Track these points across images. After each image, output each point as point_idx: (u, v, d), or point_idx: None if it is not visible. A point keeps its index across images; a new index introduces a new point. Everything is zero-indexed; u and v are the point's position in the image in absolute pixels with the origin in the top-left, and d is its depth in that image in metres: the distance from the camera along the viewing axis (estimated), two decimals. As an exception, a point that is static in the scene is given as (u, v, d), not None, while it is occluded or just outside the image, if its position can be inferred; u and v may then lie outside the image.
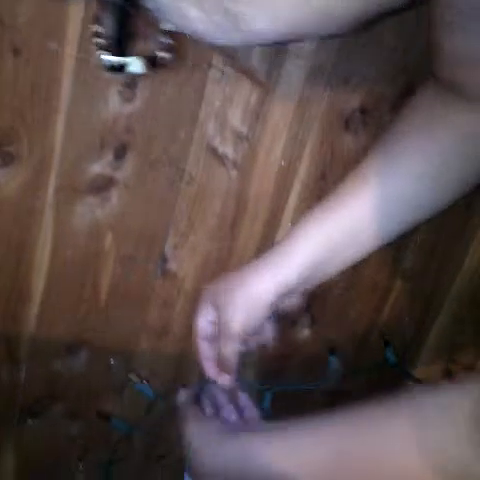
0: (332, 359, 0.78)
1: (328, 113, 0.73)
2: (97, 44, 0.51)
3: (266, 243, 0.77)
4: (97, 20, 0.54)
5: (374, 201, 0.65)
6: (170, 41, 0.52)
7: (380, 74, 0.72)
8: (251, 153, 0.73)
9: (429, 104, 0.65)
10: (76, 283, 0.74)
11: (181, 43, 0.63)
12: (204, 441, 0.68)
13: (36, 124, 0.64)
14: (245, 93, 0.70)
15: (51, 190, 0.68)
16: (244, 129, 0.71)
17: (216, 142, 0.71)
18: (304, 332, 0.87)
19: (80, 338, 0.77)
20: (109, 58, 0.49)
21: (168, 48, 0.52)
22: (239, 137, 0.71)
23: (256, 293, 0.66)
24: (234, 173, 0.73)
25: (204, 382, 0.73)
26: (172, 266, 0.76)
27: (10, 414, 0.79)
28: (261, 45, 0.67)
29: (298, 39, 0.57)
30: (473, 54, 0.57)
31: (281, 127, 0.72)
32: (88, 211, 0.70)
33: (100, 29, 0.53)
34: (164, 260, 0.75)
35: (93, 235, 0.72)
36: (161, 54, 0.51)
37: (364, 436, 0.57)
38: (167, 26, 0.52)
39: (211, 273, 0.77)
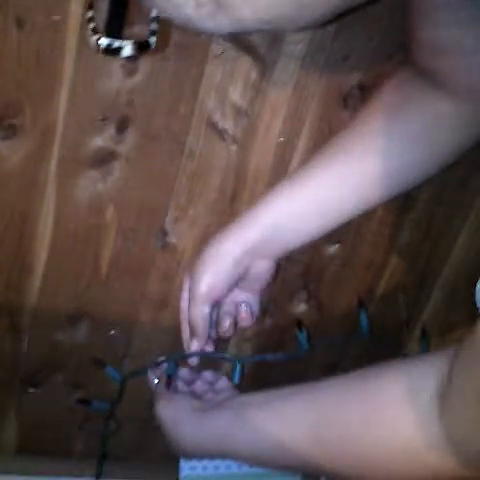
0: (300, 334, 0.80)
1: (327, 90, 0.74)
2: (92, 29, 0.52)
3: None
4: (91, 6, 0.54)
5: (339, 176, 0.68)
6: (157, 27, 0.53)
7: (378, 51, 0.73)
8: (251, 128, 0.74)
9: (405, 87, 0.66)
10: (78, 255, 0.75)
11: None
12: (178, 419, 0.70)
13: (39, 96, 0.65)
14: (245, 69, 0.70)
15: (54, 163, 0.69)
16: (244, 104, 0.72)
17: (216, 117, 0.72)
18: (301, 306, 0.89)
19: (81, 309, 0.78)
20: (106, 41, 0.50)
21: (155, 34, 0.52)
22: (239, 112, 0.72)
23: (221, 251, 0.68)
24: (234, 148, 0.74)
25: (174, 357, 0.75)
26: (172, 239, 0.77)
27: (12, 383, 0.81)
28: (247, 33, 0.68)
29: (280, 29, 0.58)
30: (444, 44, 0.58)
31: (280, 103, 0.73)
32: (90, 184, 0.71)
33: (94, 14, 0.53)
34: (164, 233, 0.77)
35: (95, 208, 0.73)
36: (150, 39, 0.52)
37: (344, 405, 0.59)
38: (155, 12, 0.53)
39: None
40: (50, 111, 0.66)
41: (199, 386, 0.77)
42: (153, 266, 0.78)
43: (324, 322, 0.90)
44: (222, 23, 0.43)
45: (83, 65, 0.64)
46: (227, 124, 0.73)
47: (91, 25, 0.51)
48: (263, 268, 0.71)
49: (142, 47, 0.51)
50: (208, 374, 0.78)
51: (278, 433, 0.62)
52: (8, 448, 0.85)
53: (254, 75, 0.71)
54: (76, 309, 0.78)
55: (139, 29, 0.55)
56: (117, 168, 0.71)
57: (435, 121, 0.64)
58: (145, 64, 0.66)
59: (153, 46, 0.52)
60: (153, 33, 0.51)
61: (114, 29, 0.50)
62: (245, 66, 0.70)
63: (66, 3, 0.61)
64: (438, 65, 0.61)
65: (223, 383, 0.77)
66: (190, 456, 0.74)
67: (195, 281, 0.69)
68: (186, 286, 0.72)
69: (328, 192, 0.68)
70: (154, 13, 0.51)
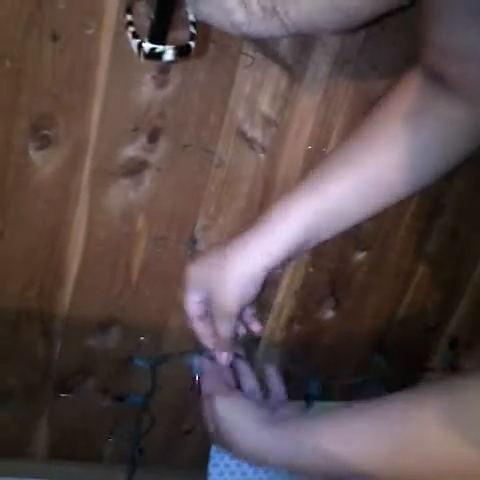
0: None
1: (354, 99, 0.75)
2: (133, 33, 0.53)
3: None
4: (130, 10, 0.57)
5: (354, 181, 0.66)
6: (196, 31, 0.54)
7: (405, 60, 0.73)
8: (279, 137, 0.74)
9: (417, 92, 0.65)
10: (109, 263, 0.76)
11: (212, 31, 0.65)
12: (241, 426, 0.68)
13: (73, 108, 0.66)
14: (274, 78, 0.71)
15: (86, 173, 0.70)
16: (273, 114, 0.73)
17: (245, 126, 0.73)
18: (328, 314, 0.89)
19: (112, 316, 0.79)
20: (149, 46, 0.51)
21: (194, 38, 0.53)
22: (268, 121, 0.73)
23: (247, 271, 0.65)
24: (262, 156, 0.75)
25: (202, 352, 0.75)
26: (202, 247, 0.78)
27: (45, 388, 0.82)
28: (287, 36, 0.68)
29: (319, 32, 0.58)
30: (458, 48, 0.57)
31: (309, 112, 0.74)
32: (122, 193, 0.72)
33: (133, 18, 0.56)
34: (194, 241, 0.78)
35: (126, 217, 0.74)
36: (190, 43, 0.53)
37: (422, 436, 0.56)
38: (194, 17, 0.53)
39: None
40: (83, 122, 0.67)
41: (251, 388, 0.76)
42: (183, 273, 0.79)
43: (351, 330, 0.91)
44: (271, 27, 0.44)
45: (115, 77, 0.66)
46: (256, 133, 0.74)
47: (131, 29, 0.52)
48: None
49: (183, 51, 0.52)
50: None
51: (351, 461, 0.60)
52: (40, 453, 0.87)
53: (283, 85, 0.72)
54: (107, 316, 0.79)
55: (176, 34, 0.56)
56: (148, 177, 0.72)
57: (448, 126, 0.64)
58: (176, 75, 0.67)
59: (192, 51, 0.53)
60: (192, 37, 0.52)
61: (159, 34, 0.51)
62: (274, 76, 0.71)
63: (99, 17, 0.62)
64: (451, 70, 0.60)
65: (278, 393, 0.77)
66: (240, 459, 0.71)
67: (222, 304, 0.67)
68: (192, 305, 0.70)
69: (346, 199, 0.66)
70: (192, 18, 0.52)
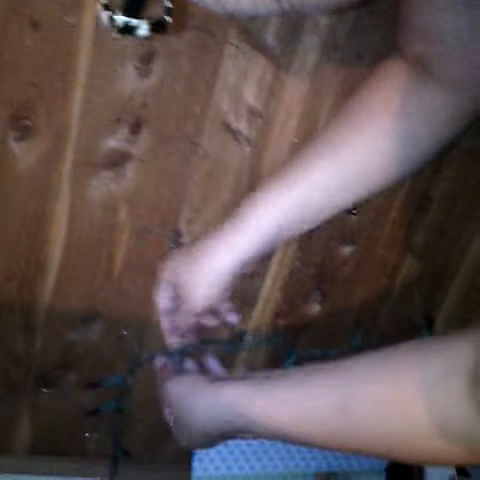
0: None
1: (341, 89, 0.74)
2: (104, 5, 0.49)
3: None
4: None
5: (336, 172, 0.65)
6: (171, 5, 0.50)
7: (392, 50, 0.73)
8: (265, 129, 0.74)
9: (399, 80, 0.64)
10: (91, 255, 0.75)
11: (197, 17, 0.64)
12: (193, 391, 0.68)
13: (54, 98, 0.65)
14: (259, 69, 0.70)
15: (68, 164, 0.69)
16: (258, 105, 0.72)
17: (230, 118, 0.72)
18: (315, 308, 0.88)
19: (94, 309, 0.79)
20: (122, 19, 0.47)
21: (171, 13, 0.49)
22: (253, 113, 0.72)
23: (215, 267, 0.66)
24: (248, 149, 0.74)
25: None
26: (186, 240, 0.77)
27: (26, 383, 0.81)
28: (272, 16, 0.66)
29: (302, 13, 0.55)
30: (439, 30, 0.57)
31: (295, 103, 0.73)
32: (104, 185, 0.71)
33: None
34: (178, 234, 0.77)
35: (108, 208, 0.73)
36: (166, 18, 0.49)
37: (367, 386, 0.57)
38: None
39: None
40: (64, 112, 0.66)
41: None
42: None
43: (338, 323, 0.90)
44: (260, 2, 0.42)
45: (97, 67, 0.64)
46: (241, 125, 0.73)
47: (103, 0, 0.48)
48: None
49: (158, 26, 0.48)
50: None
51: (301, 405, 0.60)
52: (22, 448, 0.86)
53: (268, 76, 0.71)
54: (89, 309, 0.78)
55: (152, 10, 0.53)
56: (131, 169, 0.71)
57: (433, 113, 0.63)
58: (159, 65, 0.66)
59: (168, 26, 0.49)
60: (168, 12, 0.49)
61: (133, 6, 0.47)
62: (259, 67, 0.70)
63: (80, 5, 0.61)
64: (433, 53, 0.60)
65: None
66: (201, 435, 0.69)
67: (190, 298, 0.68)
68: (162, 300, 0.72)
69: (319, 190, 0.65)
70: None
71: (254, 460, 0.91)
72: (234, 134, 0.73)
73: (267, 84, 0.71)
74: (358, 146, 0.64)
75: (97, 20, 0.61)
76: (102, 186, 0.71)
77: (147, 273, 0.78)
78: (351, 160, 0.64)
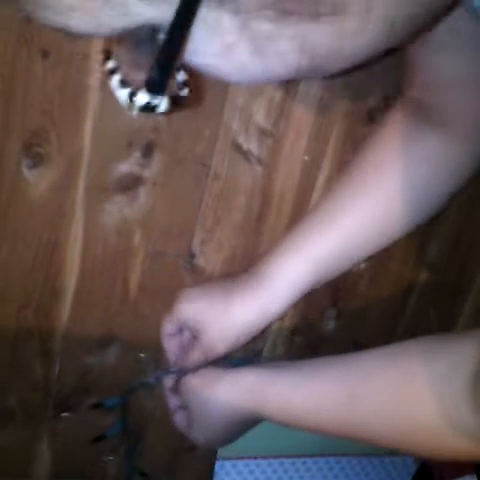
0: None
1: (351, 105, 0.74)
2: (121, 81, 0.43)
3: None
4: (109, 56, 0.45)
5: (351, 228, 0.68)
6: (187, 77, 0.44)
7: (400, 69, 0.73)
8: (275, 148, 0.74)
9: (403, 125, 0.65)
10: (106, 280, 0.75)
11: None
12: (210, 381, 0.69)
13: (65, 125, 0.66)
14: (269, 89, 0.70)
15: (81, 190, 0.69)
16: (268, 125, 0.72)
17: (241, 139, 0.72)
18: (330, 324, 0.88)
19: (111, 333, 0.79)
20: (146, 98, 0.40)
21: (187, 83, 0.44)
22: (263, 133, 0.72)
23: (241, 325, 0.68)
24: (259, 169, 0.74)
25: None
26: (200, 261, 0.77)
27: (45, 407, 0.81)
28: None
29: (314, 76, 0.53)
30: (443, 76, 0.57)
31: (305, 122, 0.73)
32: (117, 209, 0.71)
33: (117, 64, 0.44)
34: (192, 256, 0.77)
35: (122, 233, 0.73)
36: (183, 92, 0.44)
37: (375, 383, 0.59)
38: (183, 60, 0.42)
39: (238, 268, 0.78)
40: (76, 138, 0.67)
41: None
42: (182, 289, 0.78)
43: (354, 339, 0.90)
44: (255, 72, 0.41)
45: (108, 92, 0.64)
46: (252, 145, 0.73)
47: (116, 77, 0.43)
48: None
49: (178, 101, 0.43)
50: None
51: (312, 395, 0.63)
52: (42, 473, 0.86)
53: (278, 95, 0.71)
54: (106, 333, 0.78)
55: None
56: (143, 193, 0.71)
57: (442, 161, 0.64)
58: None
59: (186, 99, 0.45)
60: (185, 84, 0.44)
61: (159, 85, 0.39)
62: (269, 87, 0.70)
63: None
64: (438, 99, 0.60)
65: None
66: (219, 427, 0.71)
67: (211, 345, 0.69)
68: (172, 330, 0.74)
69: (351, 237, 0.68)
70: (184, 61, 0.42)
71: (275, 479, 0.90)
72: (245, 154, 0.73)
73: (276, 104, 0.71)
74: (371, 201, 0.67)
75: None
76: (115, 211, 0.71)
77: (163, 296, 0.78)
78: (367, 215, 0.67)
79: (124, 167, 0.69)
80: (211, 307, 0.69)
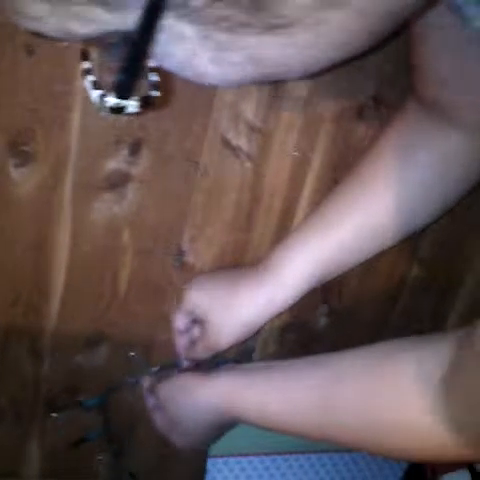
0: None
1: (341, 102, 0.74)
2: (94, 83, 0.44)
3: (281, 233, 0.78)
4: (86, 56, 0.46)
5: (353, 227, 0.69)
6: (158, 79, 0.44)
7: (394, 61, 0.72)
8: (265, 145, 0.73)
9: (411, 126, 0.65)
10: (95, 278, 0.75)
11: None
12: (186, 385, 0.70)
13: (51, 122, 0.65)
14: (258, 85, 0.70)
15: (68, 187, 0.69)
16: (257, 121, 0.72)
17: (230, 135, 0.72)
18: (321, 322, 0.88)
19: (100, 331, 0.78)
20: (114, 101, 0.42)
21: (157, 86, 0.45)
22: (252, 129, 0.72)
23: (249, 320, 0.70)
24: (248, 165, 0.74)
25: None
26: (189, 258, 0.77)
27: (34, 407, 0.81)
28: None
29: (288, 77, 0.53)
30: (458, 75, 0.57)
31: (294, 118, 0.73)
32: (105, 207, 0.71)
33: (92, 65, 0.46)
34: (181, 253, 0.76)
35: (111, 230, 0.73)
36: (153, 93, 0.45)
37: (349, 384, 0.59)
38: (154, 62, 0.43)
39: (228, 264, 0.78)
40: (63, 136, 0.66)
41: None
42: (171, 286, 0.78)
43: (346, 336, 0.89)
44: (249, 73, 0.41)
45: (94, 89, 0.64)
46: (241, 141, 0.72)
47: (90, 78, 0.44)
48: None
49: (147, 103, 0.45)
50: None
51: (285, 398, 0.63)
52: (32, 472, 0.85)
53: (267, 91, 0.70)
54: (95, 331, 0.78)
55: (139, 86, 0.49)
56: (132, 190, 0.71)
57: (445, 161, 0.64)
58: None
59: (156, 101, 0.46)
60: (155, 87, 0.45)
61: (124, 88, 0.41)
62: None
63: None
64: (449, 99, 0.60)
65: None
66: (198, 430, 0.72)
67: (217, 340, 0.71)
68: (182, 322, 0.75)
69: (348, 240, 0.69)
70: (152, 63, 0.43)
71: (267, 477, 0.90)
72: (234, 151, 0.73)
73: (265, 99, 0.71)
74: (374, 201, 0.68)
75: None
76: (104, 208, 0.71)
77: (152, 293, 0.77)
78: (370, 214, 0.68)
79: (112, 164, 0.69)
80: (218, 296, 0.70)
